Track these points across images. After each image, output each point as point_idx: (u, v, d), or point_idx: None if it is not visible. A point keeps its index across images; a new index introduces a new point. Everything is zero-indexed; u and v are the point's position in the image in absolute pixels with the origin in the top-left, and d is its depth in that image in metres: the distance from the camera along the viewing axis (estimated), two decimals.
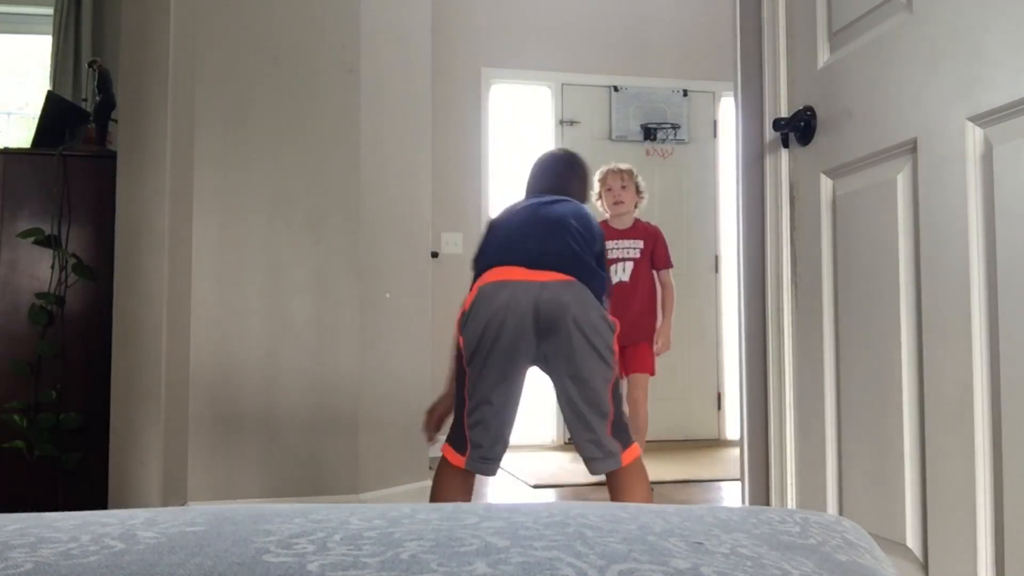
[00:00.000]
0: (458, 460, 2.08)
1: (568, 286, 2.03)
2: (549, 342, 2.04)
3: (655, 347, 3.58)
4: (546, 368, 2.10)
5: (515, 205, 2.30)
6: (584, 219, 2.20)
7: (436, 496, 2.14)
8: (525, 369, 2.10)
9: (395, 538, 0.56)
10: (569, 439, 4.89)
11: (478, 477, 2.17)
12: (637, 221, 3.69)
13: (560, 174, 2.42)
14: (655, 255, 3.66)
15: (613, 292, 3.53)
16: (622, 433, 2.07)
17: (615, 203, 3.60)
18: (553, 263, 2.06)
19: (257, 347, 2.76)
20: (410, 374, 3.07)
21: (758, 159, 2.07)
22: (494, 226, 2.27)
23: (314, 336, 2.81)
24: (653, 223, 3.79)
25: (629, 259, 3.62)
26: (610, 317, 2.08)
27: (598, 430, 2.04)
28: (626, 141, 5.24)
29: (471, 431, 2.05)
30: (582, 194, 2.43)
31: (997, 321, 1.34)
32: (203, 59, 2.77)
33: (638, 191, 3.65)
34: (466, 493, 2.14)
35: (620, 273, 3.60)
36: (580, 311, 2.01)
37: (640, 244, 3.63)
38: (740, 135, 2.15)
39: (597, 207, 3.62)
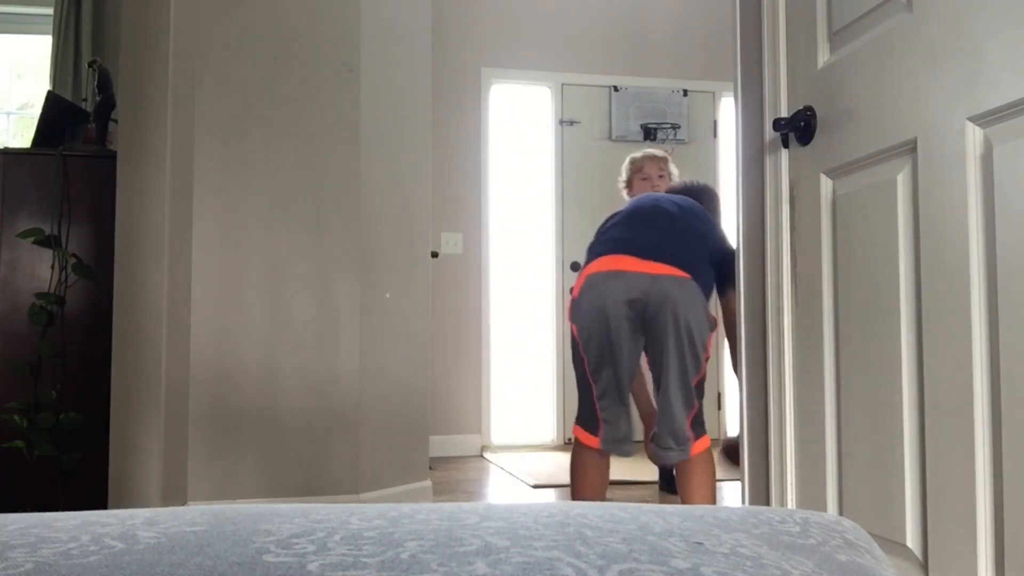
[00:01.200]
0: (591, 440, 2.22)
1: (679, 282, 2.15)
2: (652, 334, 2.16)
3: None
4: (649, 357, 2.22)
5: (642, 197, 2.47)
6: (707, 217, 2.38)
7: (576, 476, 2.29)
8: (637, 353, 2.23)
9: (395, 538, 0.56)
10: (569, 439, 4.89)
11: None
12: None
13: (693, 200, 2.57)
14: None
15: None
16: (699, 426, 2.22)
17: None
18: (669, 257, 2.17)
19: (257, 347, 2.76)
20: (410, 374, 3.07)
21: (758, 159, 2.07)
22: (616, 214, 2.42)
23: (314, 336, 2.81)
24: None
25: None
26: (712, 315, 2.20)
27: (680, 423, 2.17)
28: (626, 141, 5.24)
29: (602, 412, 2.21)
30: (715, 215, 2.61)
31: (997, 321, 1.34)
32: (203, 59, 2.77)
33: (671, 180, 3.37)
34: (604, 471, 2.29)
35: None
36: (685, 308, 2.14)
37: None
38: (740, 135, 2.15)
39: (624, 195, 3.39)
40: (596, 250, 2.30)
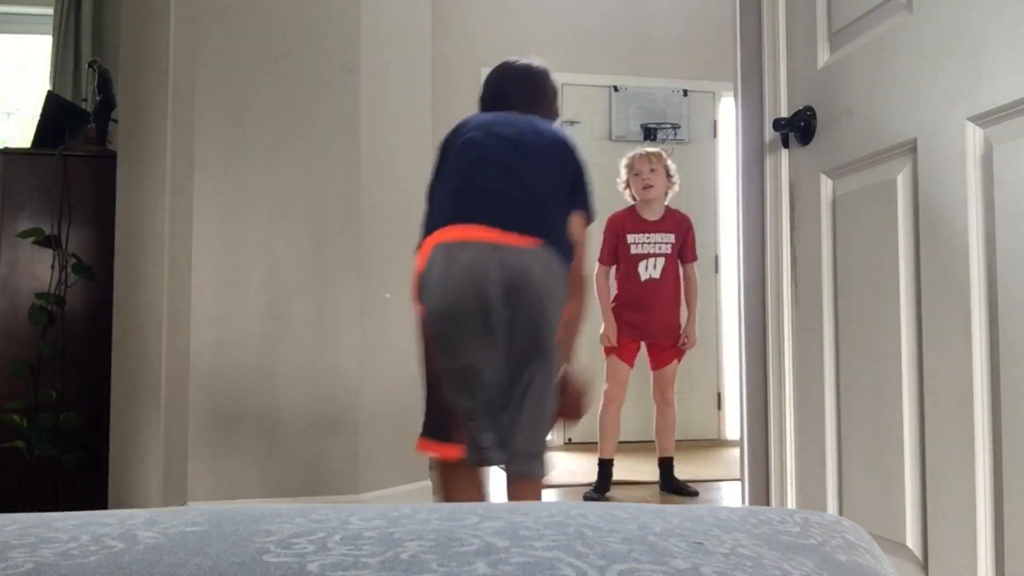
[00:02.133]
0: (451, 450, 1.76)
1: (535, 254, 1.74)
2: (516, 323, 1.73)
3: (683, 344, 3.47)
4: (507, 349, 1.75)
5: (479, 130, 1.90)
6: (564, 148, 1.90)
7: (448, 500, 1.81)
8: (501, 339, 1.74)
9: (395, 538, 0.56)
10: (568, 439, 4.89)
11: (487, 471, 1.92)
12: (668, 210, 3.49)
13: (535, 93, 2.08)
14: (684, 248, 3.48)
15: (642, 290, 3.43)
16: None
17: (644, 187, 3.38)
18: (523, 224, 1.75)
19: (257, 347, 2.76)
20: (410, 374, 3.06)
21: (758, 159, 2.07)
22: (455, 157, 1.89)
23: (314, 336, 2.81)
24: (683, 211, 3.59)
25: (660, 255, 3.43)
26: (566, 286, 1.79)
27: (541, 431, 1.80)
28: (626, 141, 5.24)
29: (457, 414, 1.75)
30: (552, 116, 2.09)
31: (997, 321, 1.34)
32: (203, 59, 2.77)
33: (668, 176, 3.42)
34: (480, 486, 1.86)
35: (651, 270, 3.43)
36: (547, 288, 1.74)
37: (672, 238, 3.44)
38: (740, 135, 2.15)
39: (625, 196, 3.48)
40: (442, 213, 1.81)
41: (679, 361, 3.56)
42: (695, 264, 3.54)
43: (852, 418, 1.72)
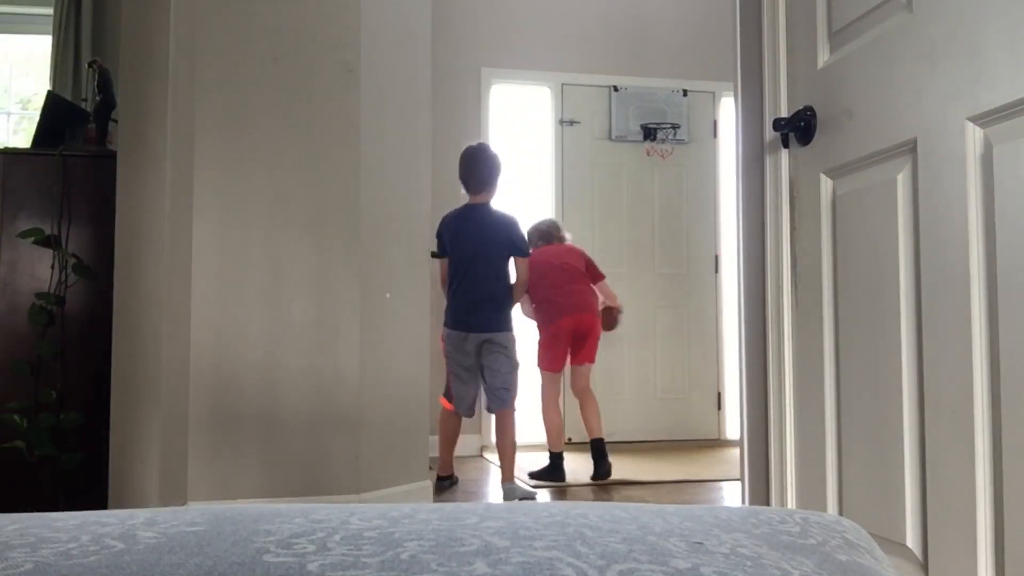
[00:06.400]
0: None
1: None
2: None
3: None
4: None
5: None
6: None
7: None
8: None
9: (395, 538, 0.56)
10: (568, 439, 4.91)
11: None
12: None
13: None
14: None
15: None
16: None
17: None
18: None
19: (257, 347, 2.76)
20: (410, 374, 3.06)
21: (758, 159, 2.07)
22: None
23: (314, 336, 2.81)
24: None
25: None
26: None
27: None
28: (626, 141, 5.24)
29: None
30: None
31: (997, 321, 1.34)
32: (203, 59, 2.77)
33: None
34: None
35: None
36: None
37: None
38: (740, 135, 2.15)
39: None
40: None
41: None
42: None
43: (852, 418, 1.72)
